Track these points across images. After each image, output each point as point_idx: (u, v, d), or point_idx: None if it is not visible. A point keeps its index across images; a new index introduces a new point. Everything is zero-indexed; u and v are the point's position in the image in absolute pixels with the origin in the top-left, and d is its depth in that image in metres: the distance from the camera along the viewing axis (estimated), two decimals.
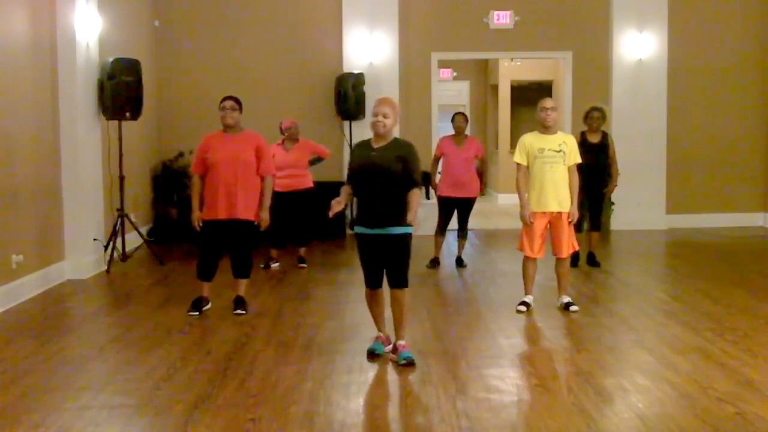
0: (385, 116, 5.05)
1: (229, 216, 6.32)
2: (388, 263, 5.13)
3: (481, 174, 8.81)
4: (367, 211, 5.10)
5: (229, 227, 6.38)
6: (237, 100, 6.45)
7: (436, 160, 8.61)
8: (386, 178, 5.02)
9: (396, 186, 5.03)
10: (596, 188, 8.24)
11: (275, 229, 7.79)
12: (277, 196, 7.51)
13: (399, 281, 5.13)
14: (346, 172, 5.53)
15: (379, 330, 5.36)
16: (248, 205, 6.39)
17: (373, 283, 5.23)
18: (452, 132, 8.62)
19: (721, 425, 4.02)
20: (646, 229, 11.15)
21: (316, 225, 8.84)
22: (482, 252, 9.89)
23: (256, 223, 6.48)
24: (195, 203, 6.48)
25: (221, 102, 6.46)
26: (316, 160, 8.69)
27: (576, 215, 6.46)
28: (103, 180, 8.56)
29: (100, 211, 8.49)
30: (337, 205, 5.10)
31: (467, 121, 8.78)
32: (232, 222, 6.36)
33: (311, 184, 8.55)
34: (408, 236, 5.11)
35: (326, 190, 10.56)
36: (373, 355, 5.20)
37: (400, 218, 5.03)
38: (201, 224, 6.40)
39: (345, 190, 5.23)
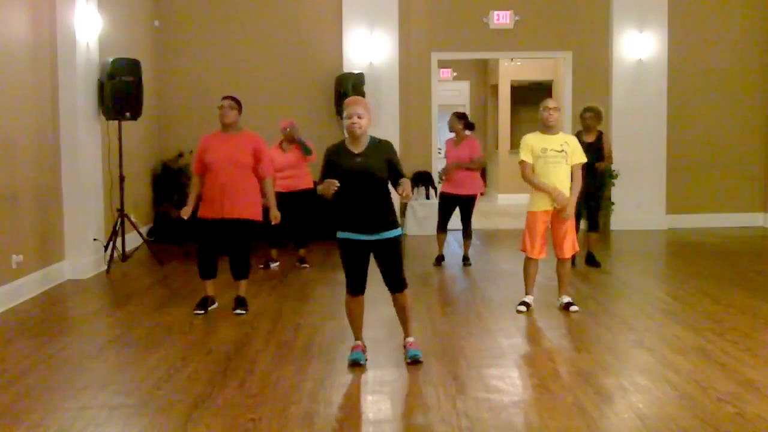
0: (359, 117, 4.85)
1: (225, 215, 6.33)
2: (383, 268, 5.04)
3: (481, 172, 8.79)
4: (357, 217, 4.92)
5: (225, 226, 6.38)
6: (236, 100, 6.48)
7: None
8: (375, 184, 4.89)
9: (385, 190, 4.92)
10: (592, 188, 8.22)
11: (276, 230, 7.79)
12: (277, 196, 7.51)
13: (398, 284, 5.06)
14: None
15: (357, 338, 5.21)
16: (246, 204, 6.39)
17: (357, 289, 5.07)
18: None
19: (721, 425, 4.02)
20: (646, 229, 11.14)
21: (316, 225, 8.84)
22: (482, 252, 9.87)
23: (270, 216, 6.55)
24: (190, 200, 6.53)
25: (220, 101, 6.49)
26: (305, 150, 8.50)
27: (572, 212, 6.38)
28: (103, 180, 8.56)
29: (100, 211, 8.49)
30: (332, 187, 4.76)
31: (459, 119, 8.60)
32: (228, 221, 6.36)
33: (311, 185, 8.51)
34: (400, 237, 5.04)
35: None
36: (356, 365, 5.04)
37: (392, 221, 4.97)
38: (186, 218, 6.44)
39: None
